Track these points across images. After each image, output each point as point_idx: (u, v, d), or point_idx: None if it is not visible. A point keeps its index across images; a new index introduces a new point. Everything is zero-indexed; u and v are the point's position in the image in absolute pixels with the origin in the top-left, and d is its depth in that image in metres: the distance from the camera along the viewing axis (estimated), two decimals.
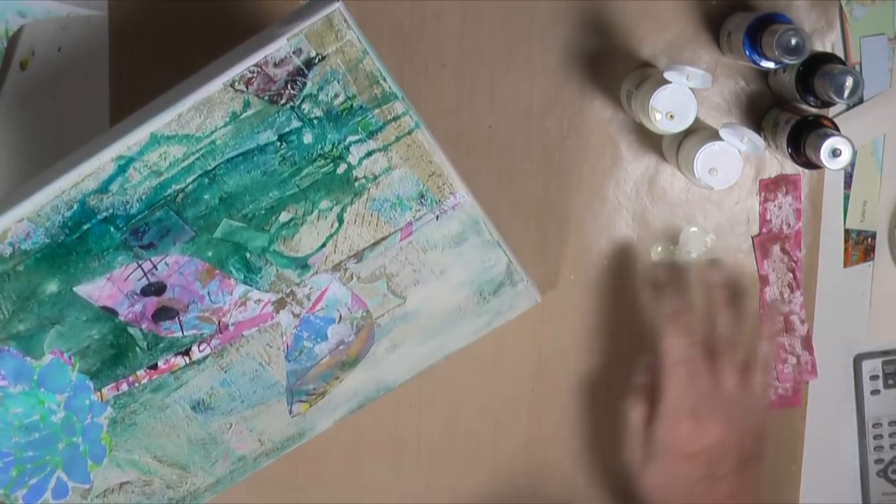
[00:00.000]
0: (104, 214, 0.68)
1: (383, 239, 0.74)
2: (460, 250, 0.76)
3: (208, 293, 0.73)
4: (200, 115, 0.66)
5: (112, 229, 0.69)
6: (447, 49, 0.86)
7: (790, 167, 0.88)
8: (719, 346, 0.76)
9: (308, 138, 0.69)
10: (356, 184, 0.71)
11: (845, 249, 0.91)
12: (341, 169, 0.71)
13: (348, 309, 0.76)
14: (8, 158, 0.87)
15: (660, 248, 0.89)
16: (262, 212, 0.71)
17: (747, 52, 0.80)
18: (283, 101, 0.68)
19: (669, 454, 0.74)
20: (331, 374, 0.78)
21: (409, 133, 0.71)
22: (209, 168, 0.68)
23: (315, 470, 0.91)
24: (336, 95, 0.68)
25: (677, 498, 0.75)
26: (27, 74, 0.86)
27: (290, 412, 0.78)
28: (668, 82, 0.77)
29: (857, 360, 0.92)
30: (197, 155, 0.68)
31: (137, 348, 0.73)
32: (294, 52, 0.66)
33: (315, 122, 0.69)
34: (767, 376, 0.78)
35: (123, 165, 0.67)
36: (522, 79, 0.87)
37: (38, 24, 0.85)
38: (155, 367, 0.74)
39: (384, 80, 0.68)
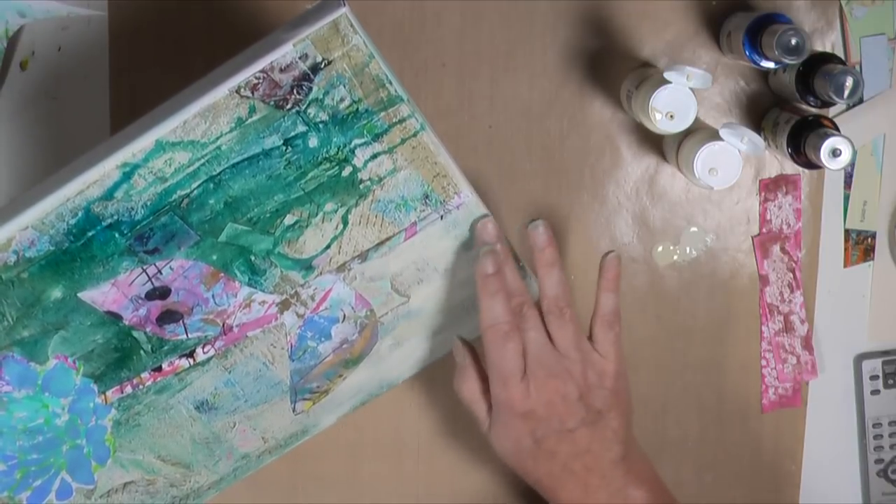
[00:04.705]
0: (109, 221, 0.68)
1: (388, 239, 0.74)
2: (464, 248, 0.76)
3: (213, 296, 0.73)
4: (206, 122, 0.66)
5: (117, 235, 0.68)
6: (447, 49, 0.86)
7: (790, 167, 0.88)
8: (546, 305, 0.76)
9: (313, 142, 0.69)
10: (361, 186, 0.71)
11: (845, 249, 0.91)
12: (346, 172, 0.71)
13: (352, 308, 0.76)
14: (8, 159, 0.86)
15: (660, 248, 0.89)
16: (267, 215, 0.71)
17: (747, 52, 0.80)
18: (288, 106, 0.67)
19: (506, 415, 0.75)
20: (334, 371, 0.78)
21: (415, 135, 0.71)
22: (214, 173, 0.68)
23: (315, 470, 0.91)
24: (342, 99, 0.68)
25: (528, 457, 0.75)
26: (27, 74, 0.85)
27: (294, 410, 0.79)
28: (668, 82, 0.77)
29: (857, 360, 0.93)
30: (202, 161, 0.67)
31: (142, 351, 0.73)
32: (300, 58, 0.66)
33: (321, 126, 0.68)
34: (611, 330, 0.77)
35: (128, 172, 0.66)
36: (522, 79, 0.87)
37: (38, 24, 0.85)
38: (159, 369, 0.74)
39: (390, 83, 0.68)
